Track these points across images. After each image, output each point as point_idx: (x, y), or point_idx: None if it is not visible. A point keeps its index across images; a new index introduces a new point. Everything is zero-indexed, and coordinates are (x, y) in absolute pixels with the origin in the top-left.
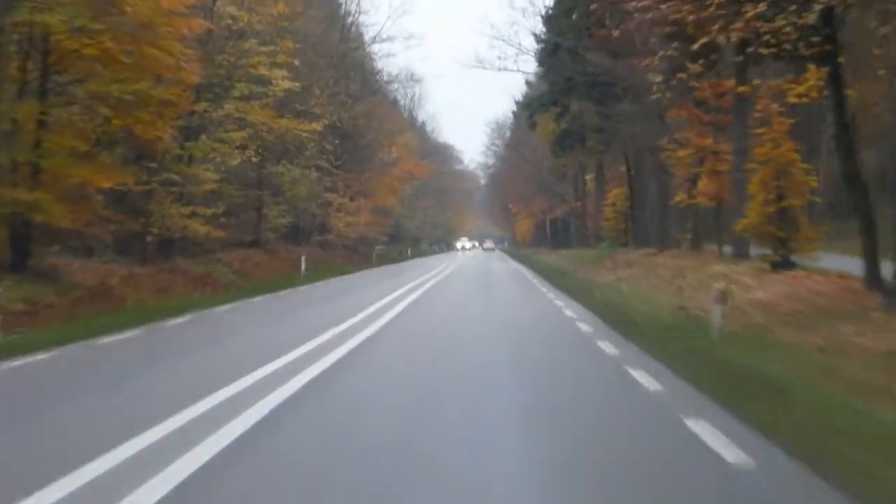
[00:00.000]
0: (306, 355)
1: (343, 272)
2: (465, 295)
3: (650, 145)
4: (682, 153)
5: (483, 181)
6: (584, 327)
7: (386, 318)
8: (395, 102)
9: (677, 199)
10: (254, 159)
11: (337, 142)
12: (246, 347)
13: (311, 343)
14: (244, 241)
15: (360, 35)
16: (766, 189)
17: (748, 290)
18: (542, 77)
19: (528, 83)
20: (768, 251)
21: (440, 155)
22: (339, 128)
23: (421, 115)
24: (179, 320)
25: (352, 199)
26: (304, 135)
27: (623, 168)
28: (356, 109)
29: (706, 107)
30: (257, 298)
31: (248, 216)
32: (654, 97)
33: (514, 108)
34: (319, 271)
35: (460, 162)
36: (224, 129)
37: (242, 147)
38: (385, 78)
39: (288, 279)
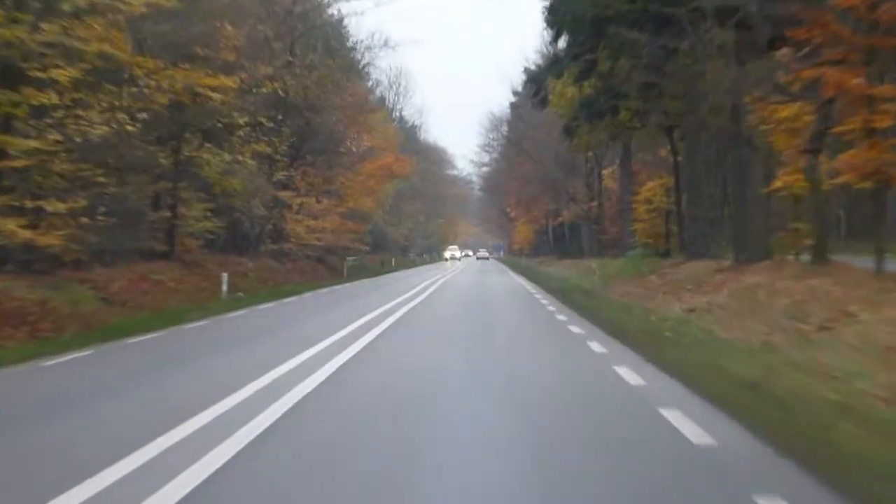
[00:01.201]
0: None
1: (293, 292)
2: (450, 336)
3: (736, 97)
4: (785, 112)
5: (477, 187)
6: None
7: (274, 414)
8: (382, 100)
9: (778, 183)
10: (129, 128)
11: (280, 117)
12: None
13: None
14: (155, 251)
15: None
16: None
17: None
18: (561, 17)
19: (527, 70)
20: None
21: (430, 156)
22: (285, 99)
23: (408, 109)
24: None
25: (318, 201)
26: (214, 96)
27: (656, 155)
28: (308, 76)
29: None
30: (74, 355)
31: (160, 217)
32: None
33: (512, 98)
34: (258, 292)
35: (453, 167)
36: (39, 66)
37: (110, 109)
38: (355, 46)
39: (195, 308)
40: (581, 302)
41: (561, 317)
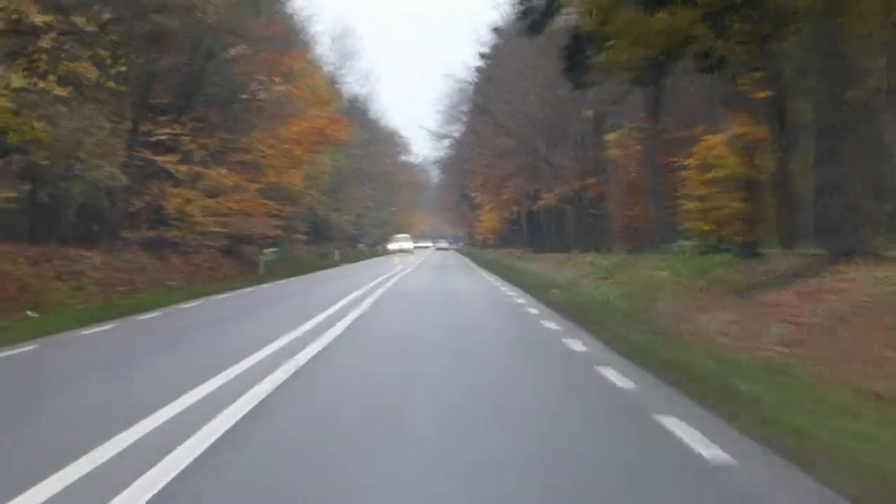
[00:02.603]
0: None
1: (133, 308)
2: None
3: None
4: None
5: (435, 173)
6: None
7: None
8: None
9: None
10: None
11: (107, 17)
12: None
13: None
14: None
15: None
16: None
17: None
18: None
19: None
20: None
21: (380, 135)
22: None
23: (353, 74)
24: None
25: (227, 173)
26: None
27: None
28: None
29: None
30: None
31: None
32: None
33: (479, 62)
34: (78, 308)
35: (408, 152)
36: None
37: None
38: None
39: None
40: (663, 355)
41: (697, 446)
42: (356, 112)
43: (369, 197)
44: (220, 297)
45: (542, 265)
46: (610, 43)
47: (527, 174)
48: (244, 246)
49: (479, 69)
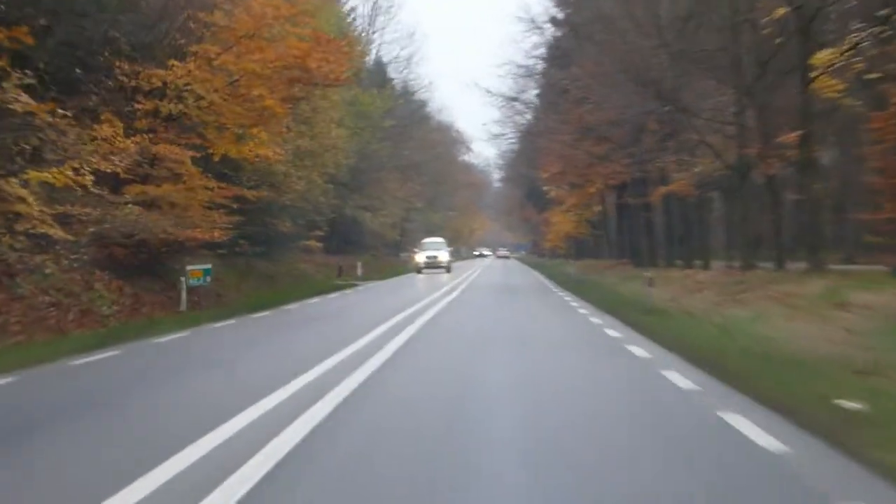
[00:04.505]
0: None
1: None
2: None
3: None
4: None
5: (496, 174)
6: None
7: None
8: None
9: None
10: None
11: None
12: None
13: None
14: None
15: None
16: None
17: None
18: None
19: None
20: None
21: (429, 121)
22: None
23: (390, 33)
24: None
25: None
26: None
27: None
28: None
29: None
30: None
31: None
32: None
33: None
34: None
35: (469, 150)
36: None
37: None
38: None
39: None
40: None
41: None
42: (397, 84)
43: (416, 195)
44: None
45: (684, 294)
46: None
47: (632, 148)
48: (172, 258)
49: (554, 21)
